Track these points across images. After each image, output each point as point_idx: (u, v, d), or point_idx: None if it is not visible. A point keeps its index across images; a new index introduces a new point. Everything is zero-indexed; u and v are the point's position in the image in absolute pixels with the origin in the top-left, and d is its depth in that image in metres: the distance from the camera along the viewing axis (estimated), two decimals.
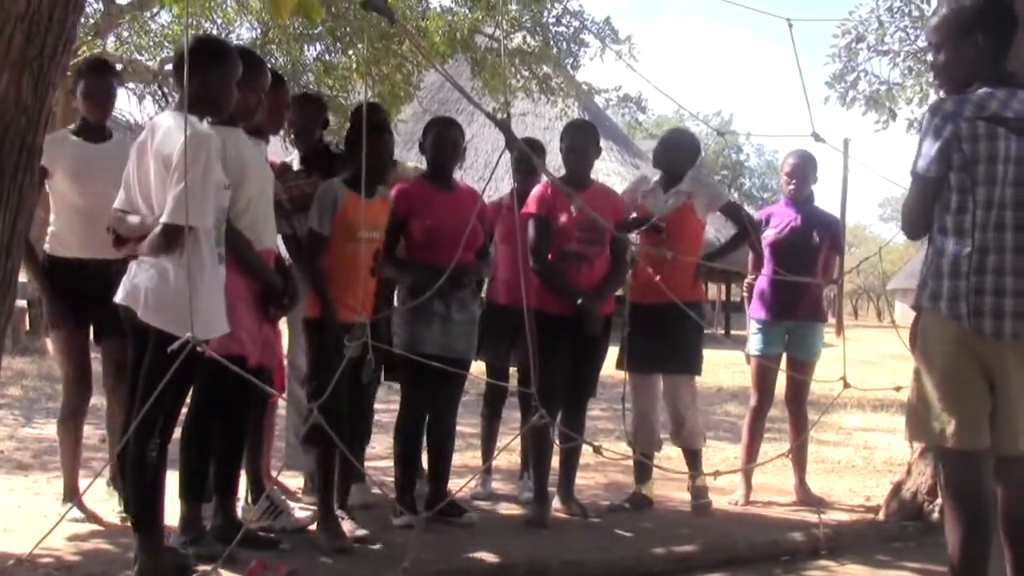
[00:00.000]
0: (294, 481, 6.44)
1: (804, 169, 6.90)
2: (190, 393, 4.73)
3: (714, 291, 33.41)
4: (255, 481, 5.57)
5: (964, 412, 3.81)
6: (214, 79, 4.51)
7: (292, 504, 5.69)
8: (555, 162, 8.19)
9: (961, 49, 3.94)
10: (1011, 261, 3.75)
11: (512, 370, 6.77)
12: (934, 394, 3.88)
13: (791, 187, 6.90)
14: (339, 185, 5.34)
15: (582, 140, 6.21)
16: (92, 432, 8.80)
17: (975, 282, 3.76)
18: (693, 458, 6.57)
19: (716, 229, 16.19)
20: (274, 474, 5.99)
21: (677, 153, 6.51)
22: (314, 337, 5.31)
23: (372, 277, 5.40)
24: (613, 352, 6.35)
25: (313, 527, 5.42)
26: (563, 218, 6.02)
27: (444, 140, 5.91)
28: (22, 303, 14.02)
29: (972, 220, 3.78)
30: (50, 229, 5.57)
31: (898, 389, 6.03)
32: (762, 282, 6.86)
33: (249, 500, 5.55)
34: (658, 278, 6.31)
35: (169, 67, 14.41)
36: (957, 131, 3.77)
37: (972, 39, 3.90)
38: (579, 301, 5.92)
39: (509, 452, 6.94)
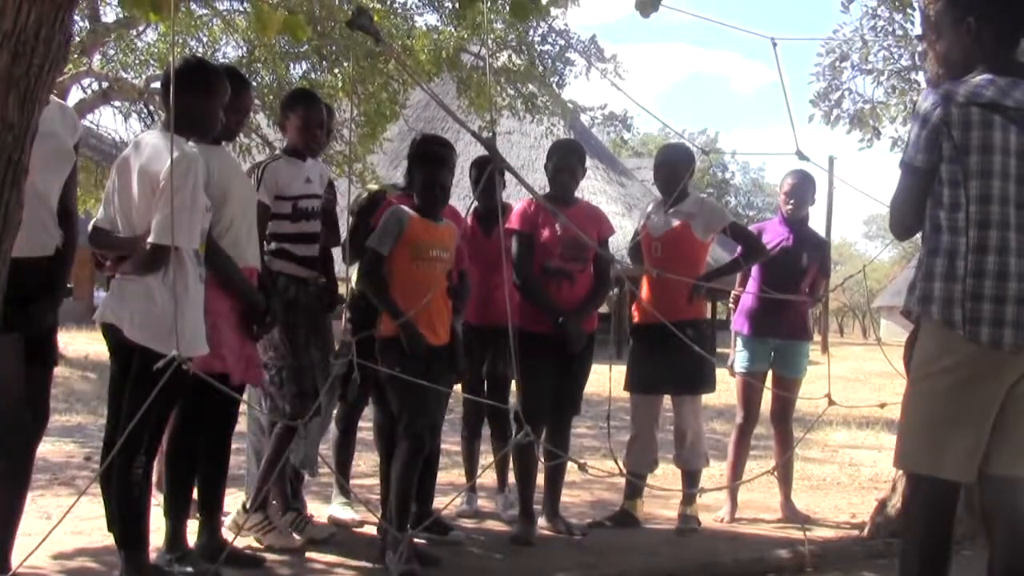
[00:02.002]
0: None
1: (803, 189, 6.91)
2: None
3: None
4: (262, 493, 5.51)
5: (958, 440, 3.58)
6: (200, 102, 4.54)
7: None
8: (539, 180, 8.24)
9: (956, 34, 3.77)
10: (1016, 264, 3.49)
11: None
12: (926, 419, 3.67)
13: (789, 207, 6.91)
14: (405, 210, 5.37)
15: (570, 160, 6.23)
16: (77, 451, 8.80)
17: (972, 285, 3.50)
18: (690, 479, 6.57)
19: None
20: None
21: (675, 170, 6.44)
22: (396, 356, 5.18)
23: (449, 296, 5.48)
24: (599, 370, 6.36)
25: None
26: (546, 234, 6.04)
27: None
28: None
29: (966, 217, 3.53)
30: None
31: (883, 406, 6.08)
32: (748, 299, 6.88)
33: (246, 506, 5.52)
34: (645, 293, 6.37)
35: (156, 85, 14.42)
36: (947, 116, 3.55)
37: (964, 24, 3.72)
38: (560, 319, 5.94)
39: (494, 470, 6.94)
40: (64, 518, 4.02)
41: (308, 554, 5.42)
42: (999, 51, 3.70)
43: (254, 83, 14.66)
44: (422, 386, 4.81)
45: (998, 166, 3.52)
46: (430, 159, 5.56)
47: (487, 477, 7.01)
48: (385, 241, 5.28)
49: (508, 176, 6.08)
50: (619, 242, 8.37)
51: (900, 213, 3.80)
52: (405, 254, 5.27)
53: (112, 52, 16.71)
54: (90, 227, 4.61)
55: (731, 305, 7.13)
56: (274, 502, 5.75)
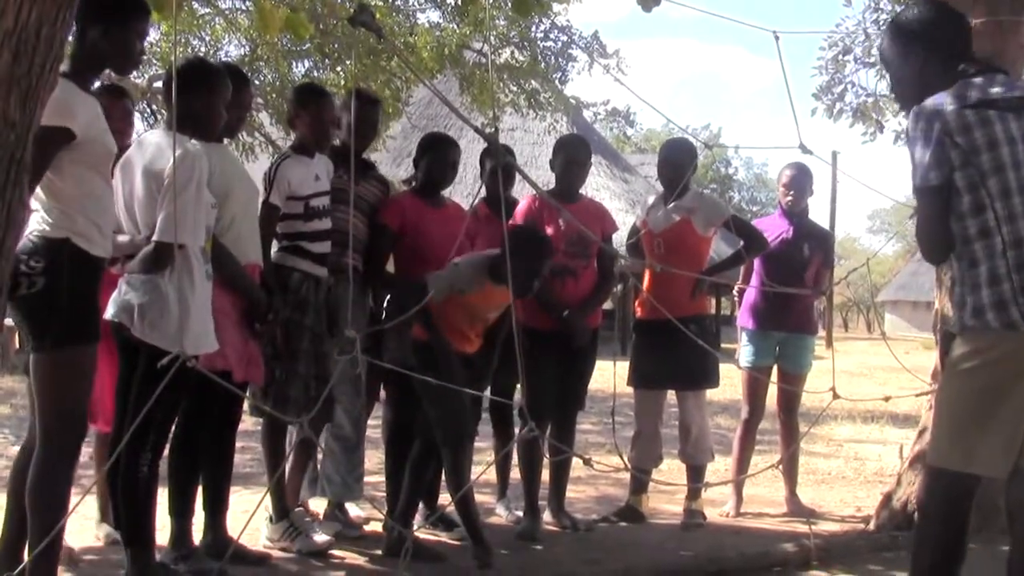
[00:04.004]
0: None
1: (801, 181, 6.91)
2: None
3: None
4: (278, 501, 5.53)
5: (994, 436, 3.53)
6: (202, 101, 4.55)
7: (315, 527, 5.66)
8: (542, 176, 8.25)
9: (907, 63, 3.83)
10: None
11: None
12: (962, 414, 3.62)
13: (788, 198, 6.91)
14: (482, 275, 5.30)
15: (580, 154, 6.24)
16: (83, 449, 8.79)
17: (1019, 281, 3.46)
18: (695, 474, 6.57)
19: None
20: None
21: (679, 167, 6.42)
22: (428, 361, 5.23)
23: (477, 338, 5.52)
24: (603, 366, 6.36)
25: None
26: (549, 231, 6.03)
27: (444, 161, 5.94)
28: (10, 322, 13.97)
29: (995, 216, 3.51)
30: None
31: (887, 399, 6.08)
32: (753, 293, 6.87)
33: (272, 520, 5.52)
34: (646, 289, 6.36)
35: (158, 84, 14.43)
36: (945, 126, 3.54)
37: (914, 52, 3.79)
38: (565, 314, 5.93)
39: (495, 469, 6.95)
40: (69, 516, 4.01)
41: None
42: (955, 68, 3.72)
43: (256, 82, 14.66)
44: (456, 392, 4.82)
45: (1008, 158, 3.51)
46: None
47: (493, 473, 7.01)
48: (441, 291, 5.22)
49: (514, 172, 6.11)
50: (623, 238, 8.33)
51: (930, 237, 3.76)
52: (460, 310, 5.30)
53: None
54: None
55: (735, 298, 7.13)
56: (299, 508, 5.76)
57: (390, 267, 5.99)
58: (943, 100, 3.60)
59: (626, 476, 6.68)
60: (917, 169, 3.65)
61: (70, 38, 3.35)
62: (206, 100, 4.60)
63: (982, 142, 3.52)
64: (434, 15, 16.62)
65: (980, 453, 3.57)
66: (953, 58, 3.77)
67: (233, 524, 5.20)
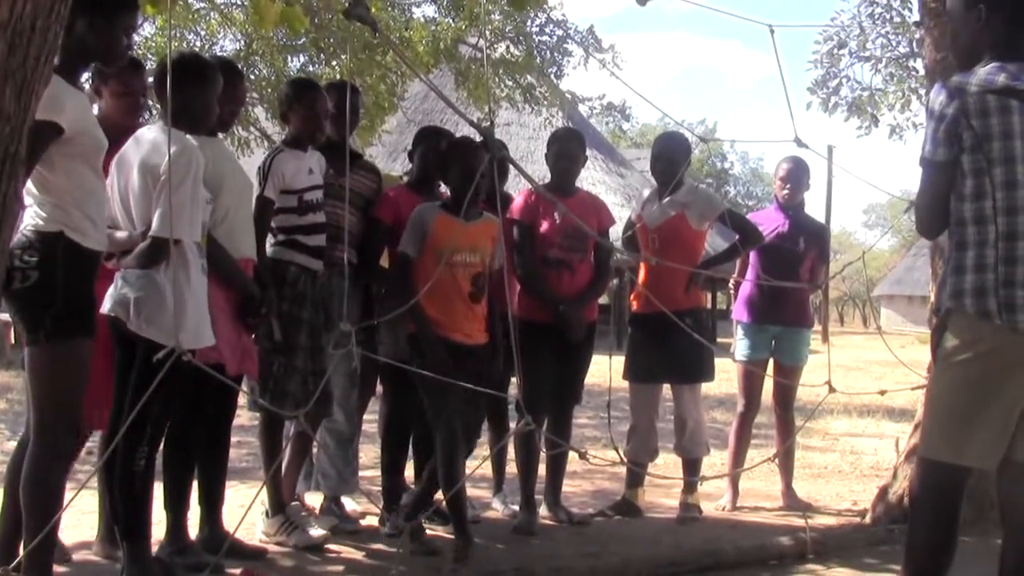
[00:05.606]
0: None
1: (798, 174, 6.91)
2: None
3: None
4: (274, 495, 5.52)
5: (984, 429, 3.54)
6: (194, 95, 4.54)
7: (311, 521, 5.67)
8: (538, 171, 8.25)
9: (966, 21, 3.73)
10: None
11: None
12: (953, 407, 3.62)
13: (785, 192, 6.91)
14: (433, 208, 5.34)
15: (571, 147, 6.22)
16: None
17: (1004, 273, 3.47)
18: (691, 468, 6.56)
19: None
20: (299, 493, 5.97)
21: (673, 161, 6.41)
22: (417, 354, 5.25)
23: (473, 301, 5.37)
24: (599, 360, 6.36)
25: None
26: (545, 225, 6.03)
27: (434, 152, 5.92)
28: (6, 316, 13.92)
29: (993, 205, 3.50)
30: None
31: (883, 393, 6.08)
32: (748, 286, 6.87)
33: (268, 514, 5.51)
34: (641, 283, 6.36)
35: (151, 80, 14.40)
36: (964, 106, 3.51)
37: (976, 11, 3.67)
38: (560, 308, 5.93)
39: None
40: (64, 510, 4.01)
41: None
42: (1008, 38, 3.65)
43: (252, 76, 14.64)
44: (448, 386, 4.81)
45: (1019, 150, 3.49)
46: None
47: (489, 467, 7.01)
48: (411, 244, 5.26)
49: (509, 167, 6.12)
50: (619, 232, 8.32)
51: (927, 211, 3.76)
52: (431, 258, 5.22)
53: None
54: None
55: (731, 290, 7.13)
56: (295, 502, 5.76)
57: (384, 261, 5.98)
58: (969, 79, 3.56)
59: (622, 470, 6.68)
60: (927, 142, 3.64)
61: None
62: (199, 94, 4.58)
63: (997, 130, 3.50)
64: (429, 9, 16.67)
65: (970, 446, 3.58)
66: (1011, 29, 3.66)
67: (229, 518, 5.20)
